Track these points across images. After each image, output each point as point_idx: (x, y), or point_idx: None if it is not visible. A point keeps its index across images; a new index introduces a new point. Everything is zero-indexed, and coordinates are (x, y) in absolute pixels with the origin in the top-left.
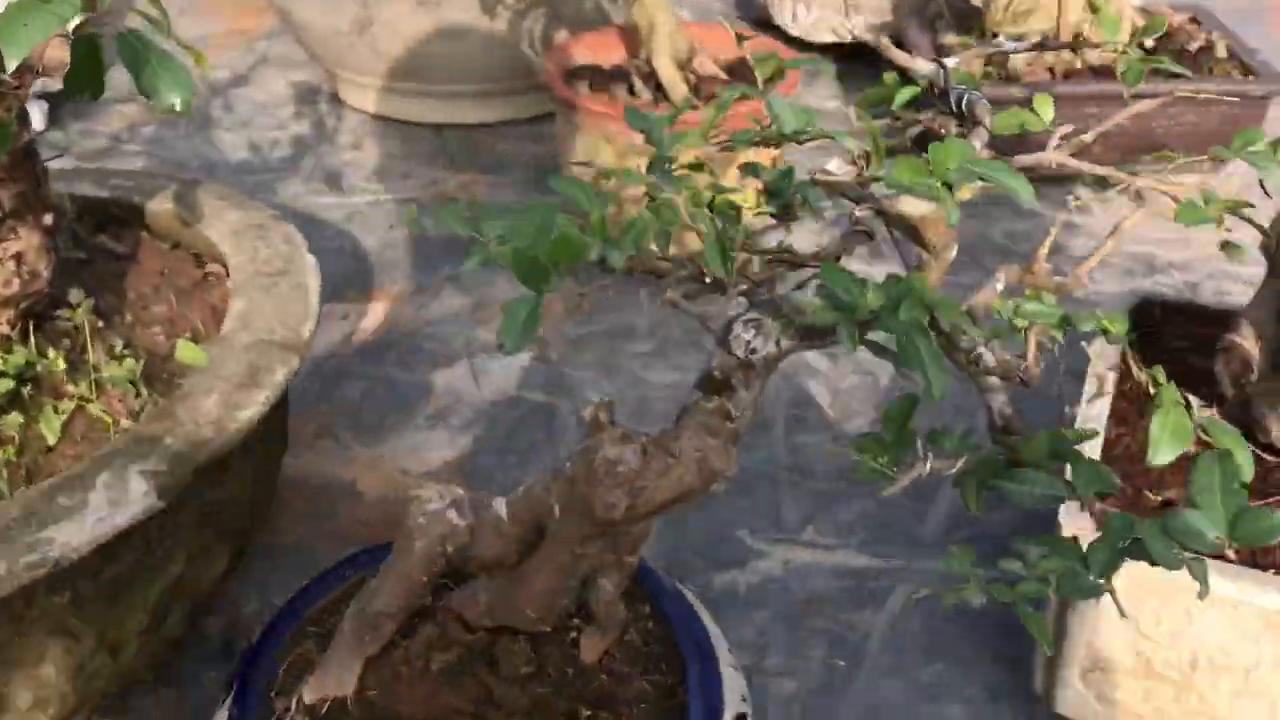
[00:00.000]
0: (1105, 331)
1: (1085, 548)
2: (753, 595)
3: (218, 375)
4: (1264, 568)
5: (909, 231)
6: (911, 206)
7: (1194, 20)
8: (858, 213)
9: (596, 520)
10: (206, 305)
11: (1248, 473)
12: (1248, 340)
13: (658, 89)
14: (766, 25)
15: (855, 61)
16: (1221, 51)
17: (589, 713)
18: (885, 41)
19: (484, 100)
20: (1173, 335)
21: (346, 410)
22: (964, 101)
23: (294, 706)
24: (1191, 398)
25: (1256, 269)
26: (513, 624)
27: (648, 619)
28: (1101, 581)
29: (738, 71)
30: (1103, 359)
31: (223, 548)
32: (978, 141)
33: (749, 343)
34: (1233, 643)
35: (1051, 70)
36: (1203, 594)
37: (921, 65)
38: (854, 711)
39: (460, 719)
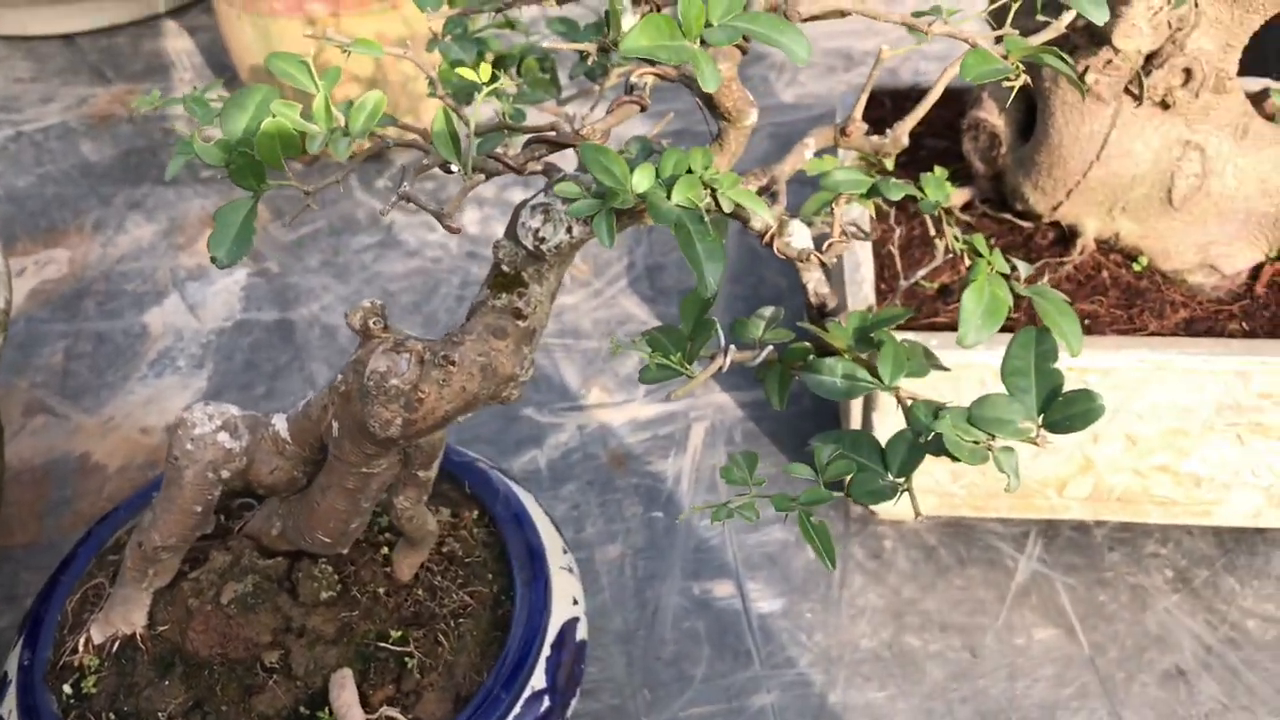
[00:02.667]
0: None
1: (884, 444)
2: (556, 470)
3: None
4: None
5: (703, 98)
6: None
7: None
8: (633, 79)
9: (375, 439)
10: None
11: (1076, 347)
12: (992, 115)
13: None
14: None
15: None
16: None
17: (399, 633)
18: None
19: None
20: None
21: (52, 376)
22: None
23: (82, 645)
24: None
25: (941, 45)
26: (307, 549)
27: (474, 525)
28: (900, 481)
29: None
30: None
31: None
32: None
33: (537, 231)
34: None
35: None
36: (1011, 487)
37: None
38: (683, 558)
39: (259, 651)
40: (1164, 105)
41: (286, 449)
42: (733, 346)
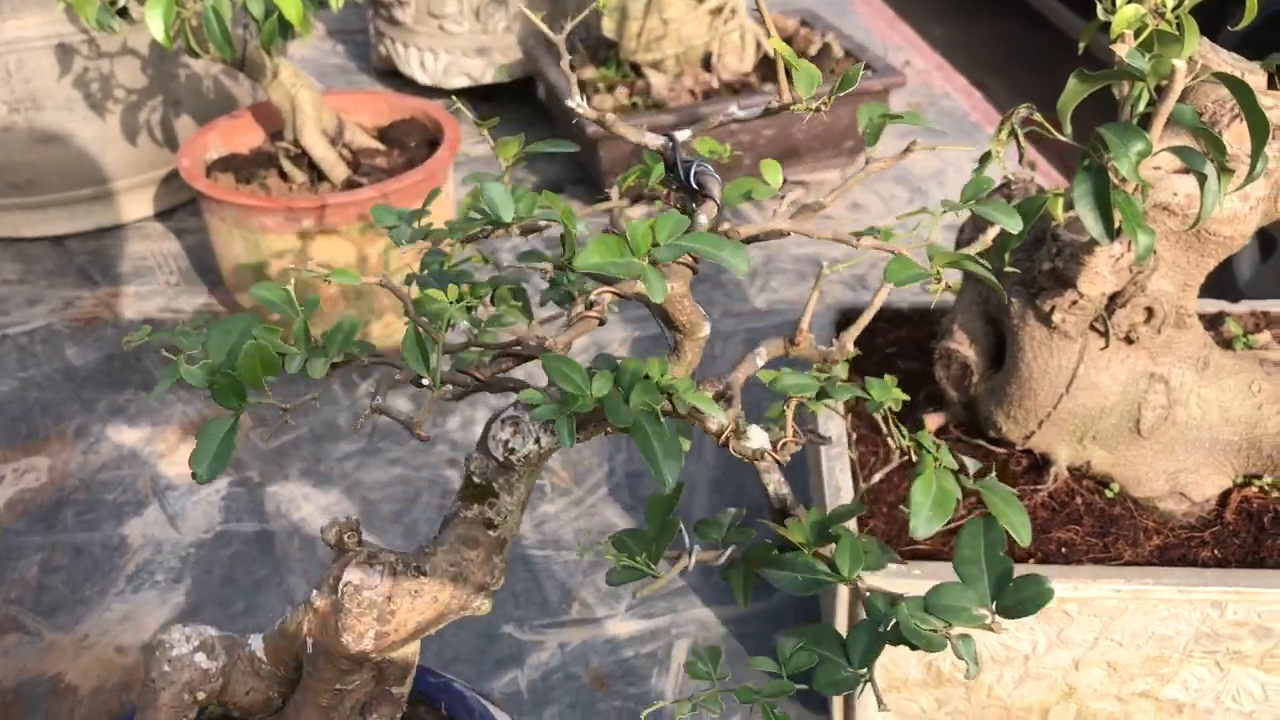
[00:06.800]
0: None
1: (845, 635)
2: (537, 691)
3: None
4: (1022, 560)
5: (659, 312)
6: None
7: (805, 24)
8: (593, 296)
9: (349, 652)
10: None
11: (1024, 536)
12: (963, 345)
13: (312, 169)
14: (394, 76)
15: (489, 102)
16: (838, 51)
17: None
18: (612, 118)
19: (105, 201)
20: (877, 341)
21: (27, 591)
22: (693, 174)
23: None
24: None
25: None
26: None
27: None
28: (862, 671)
29: (390, 137)
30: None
31: None
32: (705, 215)
33: (506, 442)
34: (1009, 636)
35: (693, 92)
36: (970, 673)
37: (650, 140)
38: None
39: None
40: (1128, 340)
41: (262, 668)
42: (697, 546)
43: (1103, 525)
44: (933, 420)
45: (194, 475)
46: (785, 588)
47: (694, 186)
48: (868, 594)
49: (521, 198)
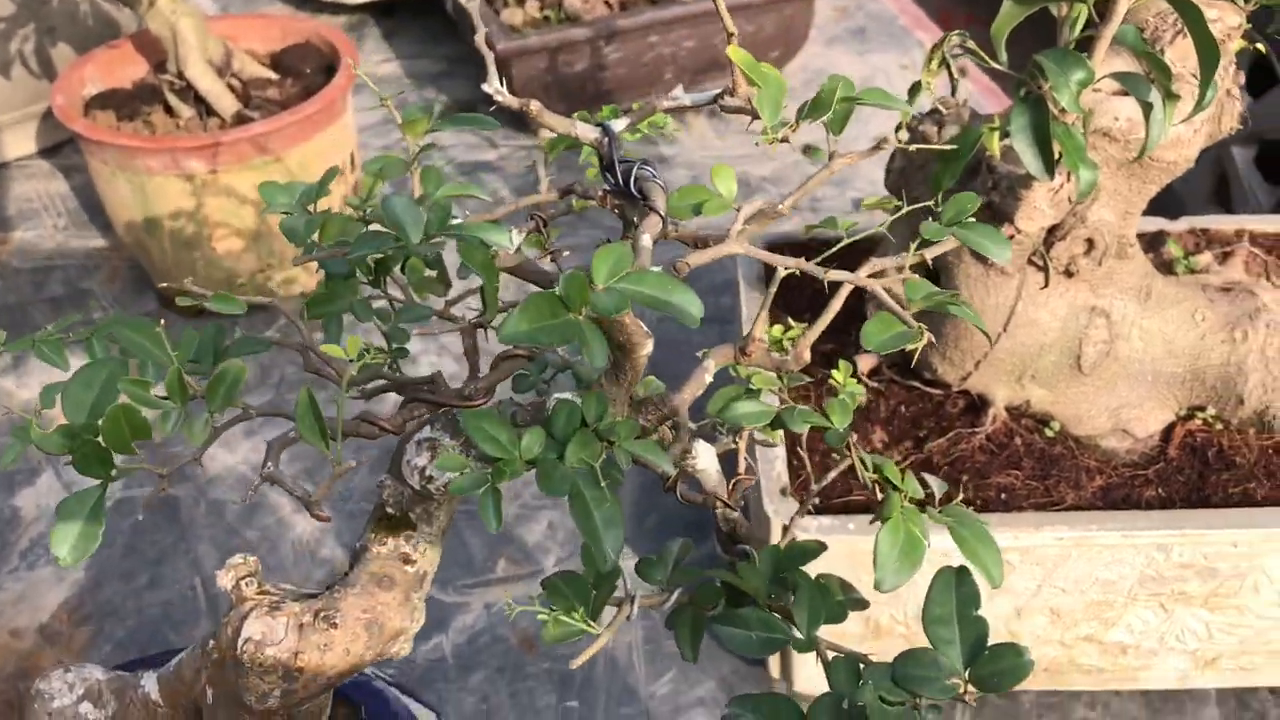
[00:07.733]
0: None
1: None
2: (463, 656)
3: None
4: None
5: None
6: None
7: None
8: None
9: (252, 710)
10: None
11: (997, 579)
12: (896, 285)
13: (199, 103)
14: None
15: (393, 18)
16: None
17: None
18: (537, 107)
19: None
20: (806, 279)
21: None
22: (633, 179)
23: None
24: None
25: (839, 173)
26: None
27: None
28: None
29: (284, 65)
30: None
31: None
32: (649, 234)
33: (424, 470)
34: None
35: (608, 3)
36: None
37: (585, 132)
38: None
39: None
40: (1068, 274)
41: (159, 712)
42: (639, 593)
43: (1043, 467)
44: (865, 361)
45: (57, 559)
46: (739, 649)
47: (634, 193)
48: (830, 657)
49: (435, 204)
